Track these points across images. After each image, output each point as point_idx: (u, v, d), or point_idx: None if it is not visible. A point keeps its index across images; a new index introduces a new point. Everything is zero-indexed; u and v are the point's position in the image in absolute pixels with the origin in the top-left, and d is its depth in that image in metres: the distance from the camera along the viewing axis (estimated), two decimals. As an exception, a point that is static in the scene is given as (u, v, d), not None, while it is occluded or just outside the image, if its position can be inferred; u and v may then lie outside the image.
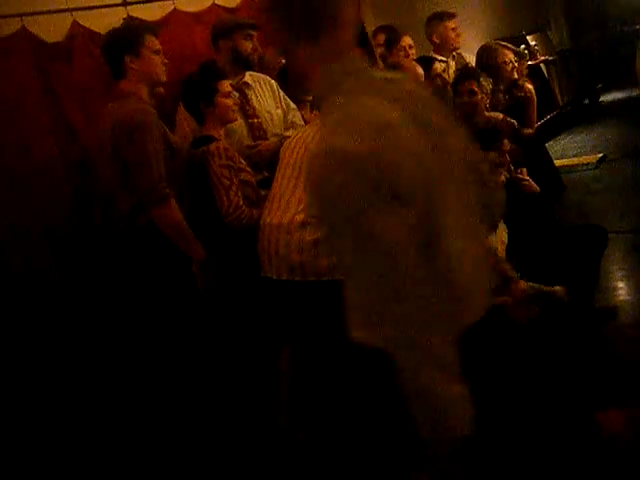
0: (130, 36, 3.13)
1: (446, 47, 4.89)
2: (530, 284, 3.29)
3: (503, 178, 3.41)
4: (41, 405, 3.25)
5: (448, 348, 1.38)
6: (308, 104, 4.05)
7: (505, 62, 4.28)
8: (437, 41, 4.98)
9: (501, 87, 4.09)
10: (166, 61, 3.20)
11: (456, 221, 1.45)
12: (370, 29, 5.13)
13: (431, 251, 1.38)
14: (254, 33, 3.82)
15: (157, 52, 3.17)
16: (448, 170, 1.47)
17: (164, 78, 3.21)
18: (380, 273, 1.32)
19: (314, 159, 1.38)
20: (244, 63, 3.80)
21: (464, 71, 4.16)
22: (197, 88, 3.27)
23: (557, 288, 3.32)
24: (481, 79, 4.02)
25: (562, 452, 2.79)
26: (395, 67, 3.81)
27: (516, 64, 4.33)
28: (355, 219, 1.30)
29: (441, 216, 1.40)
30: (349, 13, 1.49)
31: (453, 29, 4.93)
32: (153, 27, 3.29)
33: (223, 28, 3.88)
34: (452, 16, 4.96)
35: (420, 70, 3.82)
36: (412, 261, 1.33)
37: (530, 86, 4.44)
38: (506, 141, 3.62)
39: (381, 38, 4.97)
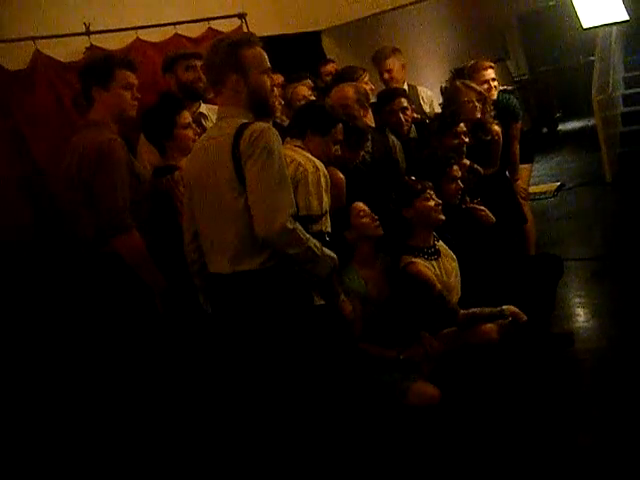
0: (101, 68, 3.11)
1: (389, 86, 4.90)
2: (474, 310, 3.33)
3: (442, 217, 3.43)
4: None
5: None
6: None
7: (467, 101, 4.27)
8: (382, 81, 5.03)
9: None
10: (138, 96, 3.18)
11: None
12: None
13: None
14: (198, 63, 3.75)
15: (127, 87, 3.13)
16: None
17: (132, 113, 3.19)
18: None
19: None
20: (190, 94, 3.81)
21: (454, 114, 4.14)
22: (156, 121, 3.27)
23: (505, 307, 3.33)
24: None
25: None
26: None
27: (478, 104, 4.30)
28: None
29: None
30: None
31: (387, 71, 4.96)
32: (130, 61, 3.22)
33: (165, 62, 3.94)
34: (386, 57, 4.96)
35: (350, 94, 3.79)
36: None
37: (498, 128, 4.41)
38: (456, 167, 3.67)
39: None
